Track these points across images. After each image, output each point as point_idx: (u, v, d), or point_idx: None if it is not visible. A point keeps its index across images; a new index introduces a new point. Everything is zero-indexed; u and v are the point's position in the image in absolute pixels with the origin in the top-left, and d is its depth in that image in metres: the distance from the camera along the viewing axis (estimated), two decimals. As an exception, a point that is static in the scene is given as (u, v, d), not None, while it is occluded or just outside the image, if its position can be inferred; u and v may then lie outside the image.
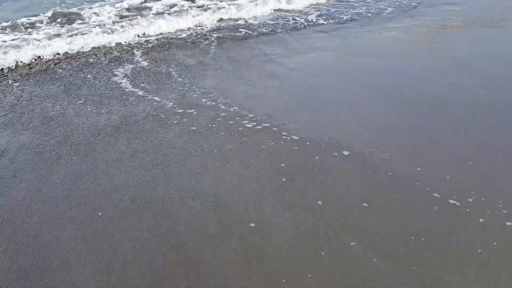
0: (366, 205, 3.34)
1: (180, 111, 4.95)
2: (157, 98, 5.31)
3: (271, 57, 6.91)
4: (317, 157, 3.97)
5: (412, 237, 3.01)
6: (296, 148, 4.13)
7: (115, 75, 6.14)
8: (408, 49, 7.26)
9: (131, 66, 6.55)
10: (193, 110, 4.95)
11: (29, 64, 6.64)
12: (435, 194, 3.43)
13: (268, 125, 4.55)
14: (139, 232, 3.10)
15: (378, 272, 2.75)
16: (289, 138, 4.30)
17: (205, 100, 5.23)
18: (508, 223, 3.11)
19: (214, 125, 4.59)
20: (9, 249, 2.96)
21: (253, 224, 3.16)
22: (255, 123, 4.60)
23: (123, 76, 6.09)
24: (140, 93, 5.52)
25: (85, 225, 3.18)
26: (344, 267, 2.79)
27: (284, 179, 3.67)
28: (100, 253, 2.92)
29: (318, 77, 5.97)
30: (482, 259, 2.83)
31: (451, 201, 3.34)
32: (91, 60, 6.84)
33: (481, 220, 3.15)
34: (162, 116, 4.84)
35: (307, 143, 4.19)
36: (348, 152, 4.02)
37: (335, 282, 2.69)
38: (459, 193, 3.42)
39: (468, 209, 3.25)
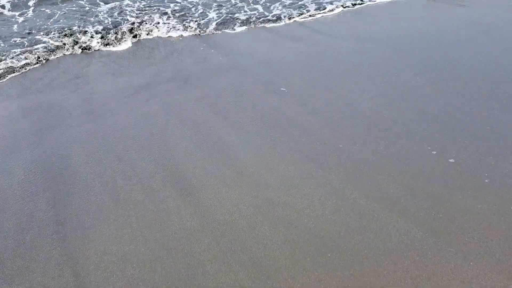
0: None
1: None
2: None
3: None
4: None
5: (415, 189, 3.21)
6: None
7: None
8: (438, 13, 7.09)
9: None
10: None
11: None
12: (433, 151, 3.57)
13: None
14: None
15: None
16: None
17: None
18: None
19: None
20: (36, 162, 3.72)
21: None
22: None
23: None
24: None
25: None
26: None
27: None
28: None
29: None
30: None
31: (451, 160, 3.48)
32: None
33: (486, 181, 3.26)
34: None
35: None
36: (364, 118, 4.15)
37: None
38: (476, 155, 3.55)
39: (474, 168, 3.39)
